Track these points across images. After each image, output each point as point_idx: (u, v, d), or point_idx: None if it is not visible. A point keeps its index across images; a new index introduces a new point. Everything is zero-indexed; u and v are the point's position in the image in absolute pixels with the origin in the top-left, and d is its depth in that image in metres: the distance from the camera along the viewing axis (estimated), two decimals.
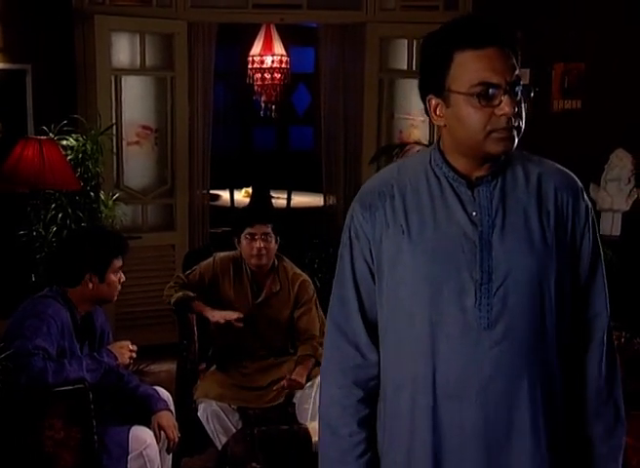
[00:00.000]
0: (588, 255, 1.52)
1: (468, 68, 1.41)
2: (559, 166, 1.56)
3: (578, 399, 1.53)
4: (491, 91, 1.40)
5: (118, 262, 2.86)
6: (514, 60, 1.42)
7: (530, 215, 1.47)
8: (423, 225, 1.47)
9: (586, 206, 1.53)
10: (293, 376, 3.17)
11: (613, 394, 1.55)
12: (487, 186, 1.47)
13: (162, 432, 2.80)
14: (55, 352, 2.58)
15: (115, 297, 2.90)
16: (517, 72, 1.42)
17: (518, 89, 1.42)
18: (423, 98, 1.50)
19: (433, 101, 1.47)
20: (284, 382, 3.17)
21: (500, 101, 1.40)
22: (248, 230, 3.30)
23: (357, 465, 1.55)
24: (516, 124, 1.42)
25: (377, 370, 1.55)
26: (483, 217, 1.46)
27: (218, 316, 3.26)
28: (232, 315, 3.24)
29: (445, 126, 1.48)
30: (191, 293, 3.31)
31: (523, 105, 1.44)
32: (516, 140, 1.44)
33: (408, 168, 1.56)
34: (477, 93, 1.40)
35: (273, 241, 3.33)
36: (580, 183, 1.54)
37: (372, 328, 1.55)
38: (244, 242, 3.32)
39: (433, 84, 1.46)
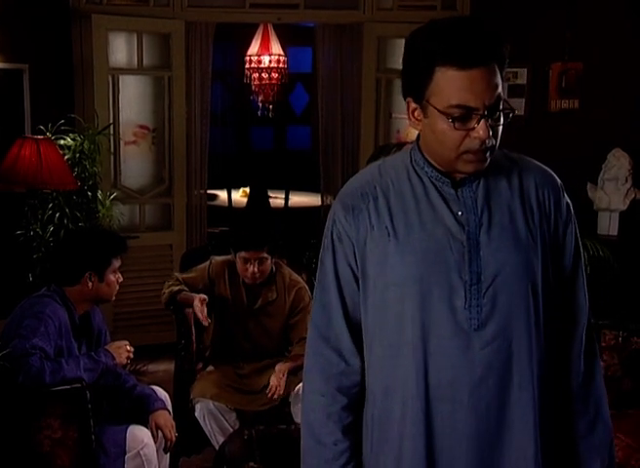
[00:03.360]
0: (571, 251, 1.52)
1: (448, 87, 1.36)
2: (539, 163, 1.55)
3: (561, 396, 1.53)
4: (467, 114, 1.36)
5: (117, 262, 2.87)
6: (498, 78, 1.38)
7: (515, 213, 1.46)
8: (410, 226, 1.45)
9: (567, 203, 1.52)
10: (272, 381, 3.15)
11: (592, 392, 1.54)
12: (470, 186, 1.46)
13: (159, 431, 2.80)
14: (52, 352, 2.58)
15: (114, 297, 2.90)
16: (499, 91, 1.38)
17: (498, 112, 1.38)
18: (404, 97, 1.47)
19: (412, 105, 1.45)
20: (269, 394, 3.15)
21: (476, 126, 1.37)
22: (242, 254, 3.23)
23: None
24: (489, 145, 1.40)
25: (360, 376, 1.53)
26: (469, 217, 1.44)
27: (199, 297, 3.21)
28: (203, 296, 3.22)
29: (422, 131, 1.46)
30: (176, 287, 3.28)
31: (500, 126, 1.41)
32: (488, 160, 1.43)
33: (389, 168, 1.53)
34: (453, 115, 1.37)
35: (268, 261, 3.27)
36: (559, 181, 1.53)
37: (355, 333, 1.52)
38: (238, 262, 3.27)
39: (413, 90, 1.43)
